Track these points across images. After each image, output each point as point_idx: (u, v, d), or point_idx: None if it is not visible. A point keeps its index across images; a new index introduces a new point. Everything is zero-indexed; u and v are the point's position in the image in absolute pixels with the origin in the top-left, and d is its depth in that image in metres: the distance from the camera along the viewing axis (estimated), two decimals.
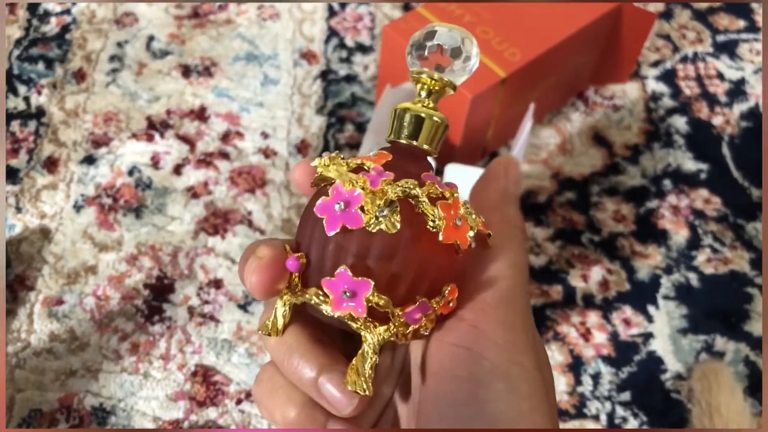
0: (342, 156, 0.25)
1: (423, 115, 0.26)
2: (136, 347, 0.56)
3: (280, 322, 0.26)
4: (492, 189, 0.29)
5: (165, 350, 0.56)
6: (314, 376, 0.24)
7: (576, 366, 0.57)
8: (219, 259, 0.61)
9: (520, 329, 0.24)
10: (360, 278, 0.23)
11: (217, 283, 0.59)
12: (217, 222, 0.63)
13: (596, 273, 0.62)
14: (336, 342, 0.27)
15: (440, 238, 0.24)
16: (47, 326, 0.56)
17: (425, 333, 0.25)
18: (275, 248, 0.25)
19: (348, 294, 0.23)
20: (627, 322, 0.60)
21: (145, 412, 0.53)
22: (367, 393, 0.24)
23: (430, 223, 0.24)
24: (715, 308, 0.61)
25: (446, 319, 0.25)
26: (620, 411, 0.55)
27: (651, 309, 0.61)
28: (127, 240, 0.61)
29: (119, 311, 0.58)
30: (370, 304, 0.23)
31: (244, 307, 0.58)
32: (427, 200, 0.24)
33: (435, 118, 0.26)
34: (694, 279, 0.63)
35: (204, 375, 0.55)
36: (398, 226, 0.23)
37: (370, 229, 0.23)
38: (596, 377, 0.57)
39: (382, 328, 0.24)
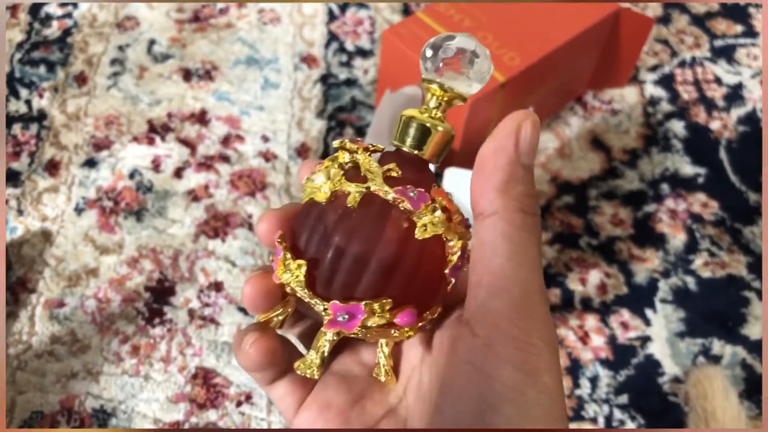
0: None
1: (428, 125, 0.26)
2: (137, 349, 0.56)
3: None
4: (497, 164, 0.24)
5: (165, 352, 0.56)
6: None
7: (574, 369, 0.58)
8: (219, 262, 0.61)
9: (539, 343, 0.22)
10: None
11: (218, 286, 0.60)
12: (217, 225, 0.63)
13: (594, 276, 0.63)
14: None
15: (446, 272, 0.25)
16: (48, 328, 0.57)
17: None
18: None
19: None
20: (625, 326, 0.60)
21: (145, 414, 0.54)
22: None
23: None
24: (712, 312, 0.61)
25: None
26: (618, 414, 0.56)
27: (649, 312, 0.61)
28: (128, 243, 0.62)
29: (120, 314, 0.58)
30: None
31: (244, 309, 0.59)
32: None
33: (440, 129, 0.26)
34: (691, 283, 0.63)
35: (204, 377, 0.55)
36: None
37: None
38: (594, 380, 0.57)
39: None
